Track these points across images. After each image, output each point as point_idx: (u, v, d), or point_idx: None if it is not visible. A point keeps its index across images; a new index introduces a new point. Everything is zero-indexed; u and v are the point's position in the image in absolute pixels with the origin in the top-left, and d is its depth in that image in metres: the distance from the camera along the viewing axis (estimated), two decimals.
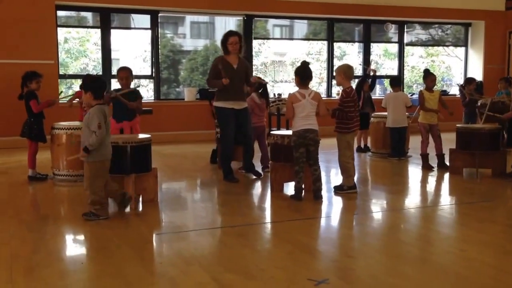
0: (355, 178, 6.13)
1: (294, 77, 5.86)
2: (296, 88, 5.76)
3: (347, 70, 5.93)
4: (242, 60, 6.79)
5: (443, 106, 7.81)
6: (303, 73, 5.74)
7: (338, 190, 5.99)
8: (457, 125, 7.46)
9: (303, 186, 5.70)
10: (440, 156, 7.63)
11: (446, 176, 7.26)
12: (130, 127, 6.51)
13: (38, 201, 5.86)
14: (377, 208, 5.60)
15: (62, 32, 11.45)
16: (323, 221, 5.18)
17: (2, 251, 4.07)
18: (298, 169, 5.65)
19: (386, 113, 8.65)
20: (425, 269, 3.75)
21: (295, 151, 5.65)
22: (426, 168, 7.60)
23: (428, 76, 7.83)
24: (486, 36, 13.95)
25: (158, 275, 3.66)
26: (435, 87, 8.04)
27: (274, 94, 11.25)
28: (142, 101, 6.90)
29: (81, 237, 4.68)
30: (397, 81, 8.96)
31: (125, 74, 6.56)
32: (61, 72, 10.73)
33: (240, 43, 6.66)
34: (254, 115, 7.22)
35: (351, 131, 5.93)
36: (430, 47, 15.16)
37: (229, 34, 6.71)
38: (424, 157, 7.70)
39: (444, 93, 13.56)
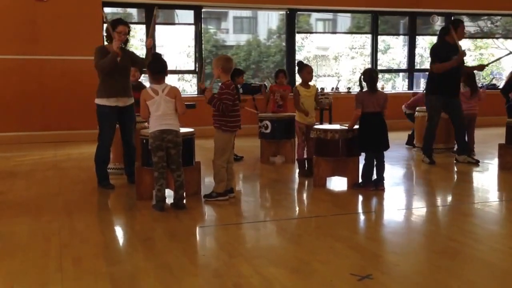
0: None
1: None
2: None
3: (225, 63, 5.34)
4: (125, 52, 6.03)
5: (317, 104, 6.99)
6: (154, 67, 5.14)
7: (206, 197, 5.47)
8: (508, 119, 7.25)
9: (165, 194, 5.15)
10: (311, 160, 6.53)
11: (495, 172, 7.08)
12: None
13: (86, 194, 6.01)
14: (422, 204, 5.50)
15: None
16: (366, 216, 5.14)
17: (52, 241, 4.21)
18: (158, 176, 5.09)
19: None
20: (471, 266, 3.67)
21: (153, 155, 5.11)
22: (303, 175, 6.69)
23: (304, 68, 6.79)
24: None
25: (202, 267, 3.71)
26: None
27: (317, 89, 11.14)
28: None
29: (127, 228, 4.79)
30: None
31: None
32: None
33: (128, 35, 6.03)
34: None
35: (232, 130, 5.46)
36: (478, 40, 14.77)
37: (118, 22, 5.93)
38: (301, 162, 6.77)
39: (493, 87, 13.19)
